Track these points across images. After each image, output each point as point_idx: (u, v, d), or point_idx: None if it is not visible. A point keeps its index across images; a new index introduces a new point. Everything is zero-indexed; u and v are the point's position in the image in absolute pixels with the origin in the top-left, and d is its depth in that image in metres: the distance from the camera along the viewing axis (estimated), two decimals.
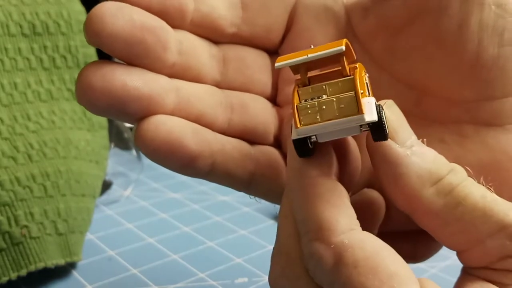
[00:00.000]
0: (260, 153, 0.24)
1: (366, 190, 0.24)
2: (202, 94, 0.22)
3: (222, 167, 0.22)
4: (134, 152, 0.52)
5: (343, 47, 0.18)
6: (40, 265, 0.33)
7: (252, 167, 0.23)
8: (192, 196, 0.49)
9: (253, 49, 0.25)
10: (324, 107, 0.18)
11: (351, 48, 0.19)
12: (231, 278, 0.35)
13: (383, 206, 0.24)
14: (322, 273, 0.19)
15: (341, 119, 0.18)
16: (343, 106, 0.18)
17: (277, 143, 0.25)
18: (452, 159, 0.20)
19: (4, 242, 0.32)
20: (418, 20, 0.22)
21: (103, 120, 0.42)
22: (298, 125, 0.18)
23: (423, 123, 0.22)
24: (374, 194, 0.23)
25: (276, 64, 0.19)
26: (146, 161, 0.57)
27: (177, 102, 0.21)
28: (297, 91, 0.19)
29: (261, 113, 0.24)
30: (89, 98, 0.20)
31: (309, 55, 0.18)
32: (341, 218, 0.19)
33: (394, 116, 0.20)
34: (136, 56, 0.20)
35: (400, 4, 0.23)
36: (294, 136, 0.19)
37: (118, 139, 0.51)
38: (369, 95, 0.19)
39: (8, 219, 0.33)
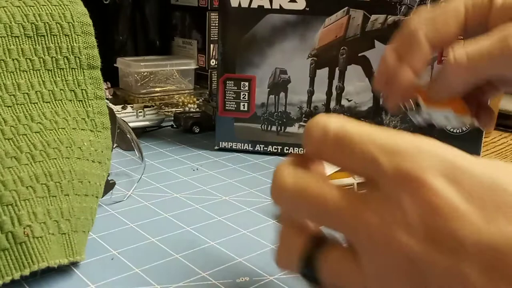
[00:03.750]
0: None
1: None
2: None
3: None
4: (136, 152, 0.52)
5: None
6: (43, 264, 0.33)
7: None
8: (194, 196, 0.49)
9: None
10: None
11: None
12: (233, 278, 0.36)
13: None
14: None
15: None
16: None
17: None
18: None
19: (7, 241, 0.32)
20: None
21: (106, 121, 0.43)
22: None
23: None
24: None
25: None
26: (149, 161, 0.57)
27: None
28: None
29: None
30: None
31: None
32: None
33: None
34: None
35: None
36: None
37: (121, 139, 0.52)
38: None
39: (11, 218, 0.33)
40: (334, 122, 0.24)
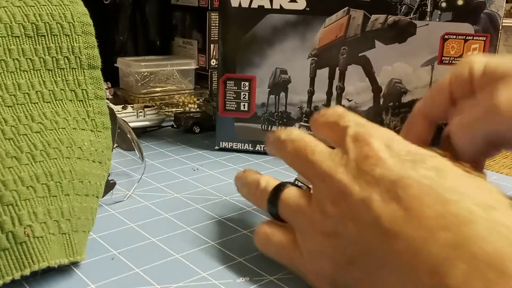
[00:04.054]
0: None
1: None
2: None
3: None
4: (137, 152, 0.52)
5: None
6: (44, 264, 0.33)
7: None
8: (194, 196, 0.50)
9: None
10: None
11: None
12: (233, 278, 0.36)
13: None
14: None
15: None
16: None
17: None
18: None
19: (7, 241, 0.32)
20: None
21: (106, 121, 0.43)
22: None
23: None
24: None
25: None
26: (149, 161, 0.57)
27: None
28: None
29: None
30: None
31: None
32: None
33: None
34: None
35: None
36: None
37: (121, 139, 0.52)
38: None
39: (12, 218, 0.33)
40: (342, 108, 0.34)
